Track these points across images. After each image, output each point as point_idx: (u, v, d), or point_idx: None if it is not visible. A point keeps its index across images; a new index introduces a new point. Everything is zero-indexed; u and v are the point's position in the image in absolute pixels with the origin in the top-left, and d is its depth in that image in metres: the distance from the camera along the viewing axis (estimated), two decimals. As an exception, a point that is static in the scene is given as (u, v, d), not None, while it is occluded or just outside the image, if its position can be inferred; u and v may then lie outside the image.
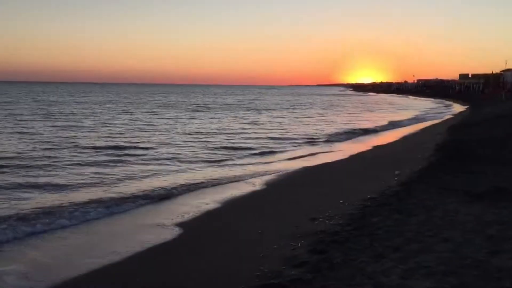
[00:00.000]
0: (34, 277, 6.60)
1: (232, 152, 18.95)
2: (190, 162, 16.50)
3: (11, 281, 6.45)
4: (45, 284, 6.38)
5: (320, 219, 8.81)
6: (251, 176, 14.28)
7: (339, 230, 7.79)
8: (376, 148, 20.97)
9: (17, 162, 14.84)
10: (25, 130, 25.03)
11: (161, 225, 9.17)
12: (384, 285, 5.46)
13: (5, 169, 13.81)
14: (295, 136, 25.51)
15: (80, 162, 15.21)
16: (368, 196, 10.24)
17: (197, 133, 26.46)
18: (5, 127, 26.77)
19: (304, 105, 68.50)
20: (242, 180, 13.73)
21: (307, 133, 27.43)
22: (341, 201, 10.16)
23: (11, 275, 6.63)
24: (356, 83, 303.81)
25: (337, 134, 27.04)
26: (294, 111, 53.07)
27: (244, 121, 35.50)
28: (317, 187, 12.41)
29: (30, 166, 14.27)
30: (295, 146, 21.49)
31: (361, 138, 26.12)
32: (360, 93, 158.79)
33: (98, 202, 10.33)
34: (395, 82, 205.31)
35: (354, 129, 30.29)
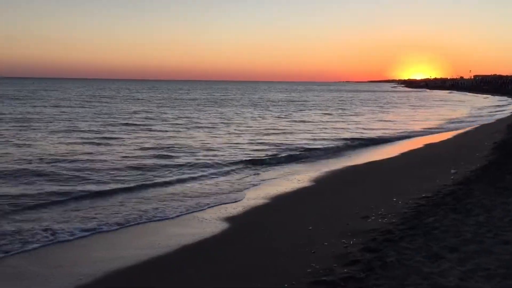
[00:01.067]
0: (94, 269, 6.86)
1: (277, 151, 18.53)
2: (235, 159, 16.33)
3: (67, 274, 6.74)
4: (104, 272, 6.64)
5: (372, 217, 8.65)
6: (296, 173, 14.18)
7: (393, 229, 7.61)
8: (429, 146, 20.33)
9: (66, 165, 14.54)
10: (72, 128, 25.28)
11: (208, 220, 9.28)
12: (441, 286, 5.29)
13: (53, 169, 13.80)
14: (343, 135, 24.88)
15: (127, 163, 15.00)
16: (423, 195, 9.95)
17: (246, 130, 26.28)
18: (51, 125, 27.50)
19: (354, 102, 67.13)
20: (287, 177, 13.68)
21: (356, 131, 26.83)
22: (394, 199, 9.93)
23: (76, 266, 6.95)
24: (408, 79, 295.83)
25: (386, 132, 26.31)
26: (344, 108, 52.14)
27: (292, 119, 35.02)
28: (367, 185, 12.18)
29: (75, 169, 13.98)
30: (342, 145, 20.88)
31: (412, 136, 25.24)
32: (413, 90, 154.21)
33: (149, 203, 10.47)
34: (450, 78, 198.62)
35: (405, 127, 29.48)
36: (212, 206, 10.28)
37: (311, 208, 10.10)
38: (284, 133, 25.49)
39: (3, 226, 8.41)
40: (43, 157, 15.48)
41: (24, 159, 15.09)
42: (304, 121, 33.47)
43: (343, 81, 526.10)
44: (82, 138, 21.11)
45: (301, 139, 22.76)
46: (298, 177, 13.54)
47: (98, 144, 19.33)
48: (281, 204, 10.61)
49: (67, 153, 16.60)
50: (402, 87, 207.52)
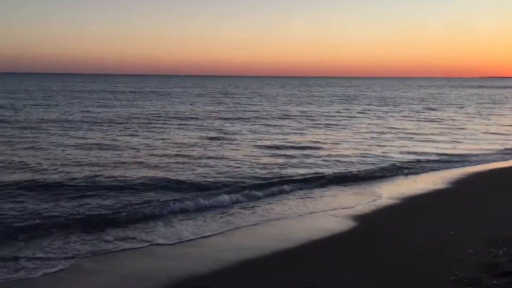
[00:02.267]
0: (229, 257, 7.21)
1: (405, 155, 16.82)
2: (366, 162, 15.34)
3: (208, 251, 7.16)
4: (240, 259, 6.94)
5: (526, 227, 7.80)
6: (430, 175, 13.43)
7: (552, 241, 6.77)
8: None
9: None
10: (200, 124, 25.84)
11: (339, 218, 9.16)
12: None
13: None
14: (487, 137, 22.68)
15: (256, 162, 14.78)
16: None
17: (373, 131, 24.32)
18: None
19: (499, 100, 60.55)
20: (421, 178, 12.99)
21: (501, 135, 24.14)
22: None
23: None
24: None
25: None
26: (486, 106, 47.29)
27: (427, 119, 32.21)
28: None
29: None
30: (482, 150, 18.56)
31: None
32: None
33: (280, 202, 10.59)
34: None
35: None
36: (342, 208, 10.01)
37: (449, 211, 9.45)
38: (413, 134, 23.28)
39: (158, 224, 8.72)
40: (170, 157, 15.49)
41: (154, 158, 15.12)
42: (436, 121, 30.85)
43: (482, 77, 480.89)
44: (205, 137, 20.79)
45: (432, 142, 20.65)
46: (433, 178, 12.77)
47: (225, 143, 19.16)
48: (415, 205, 10.11)
49: (194, 153, 16.35)
50: None
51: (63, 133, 20.85)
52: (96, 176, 12.20)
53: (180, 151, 16.73)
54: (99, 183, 11.46)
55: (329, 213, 9.52)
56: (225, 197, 10.41)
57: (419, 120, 31.23)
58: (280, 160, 15.23)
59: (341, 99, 58.48)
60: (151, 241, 7.75)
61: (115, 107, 38.21)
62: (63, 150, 16.24)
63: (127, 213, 9.00)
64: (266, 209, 9.87)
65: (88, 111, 32.84)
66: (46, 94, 56.43)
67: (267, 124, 26.80)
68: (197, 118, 29.74)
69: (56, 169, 12.96)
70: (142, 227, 8.45)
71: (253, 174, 13.00)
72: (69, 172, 12.56)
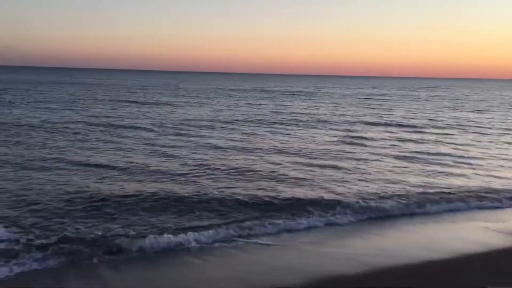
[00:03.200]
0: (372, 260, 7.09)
1: None
2: None
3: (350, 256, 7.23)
4: (379, 264, 6.80)
5: None
6: None
7: None
8: None
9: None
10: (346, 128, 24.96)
11: (492, 230, 8.60)
12: None
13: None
14: None
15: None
16: None
17: None
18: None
19: None
20: None
21: None
22: None
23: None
24: None
25: None
26: None
27: None
28: None
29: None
30: None
31: None
32: None
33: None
34: None
35: None
36: (498, 221, 9.33)
37: None
38: None
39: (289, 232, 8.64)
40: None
41: (284, 169, 13.72)
42: None
43: None
44: (344, 142, 19.62)
45: None
46: None
47: (364, 150, 17.83)
48: None
49: (338, 163, 14.86)
50: None
51: (205, 133, 20.91)
52: (231, 187, 11.27)
53: (317, 159, 15.59)
54: (231, 192, 10.64)
55: (485, 227, 8.88)
56: (357, 209, 9.69)
57: None
58: (420, 172, 13.83)
59: (502, 103, 51.80)
60: (290, 240, 7.95)
61: (265, 106, 38.66)
62: (209, 149, 16.50)
63: (261, 225, 8.55)
64: (405, 218, 9.56)
65: (233, 109, 34.01)
66: (200, 92, 60.35)
67: (412, 131, 24.21)
68: (338, 121, 28.19)
69: (194, 176, 12.31)
70: (273, 234, 8.32)
71: (386, 186, 11.88)
72: (204, 178, 12.12)
